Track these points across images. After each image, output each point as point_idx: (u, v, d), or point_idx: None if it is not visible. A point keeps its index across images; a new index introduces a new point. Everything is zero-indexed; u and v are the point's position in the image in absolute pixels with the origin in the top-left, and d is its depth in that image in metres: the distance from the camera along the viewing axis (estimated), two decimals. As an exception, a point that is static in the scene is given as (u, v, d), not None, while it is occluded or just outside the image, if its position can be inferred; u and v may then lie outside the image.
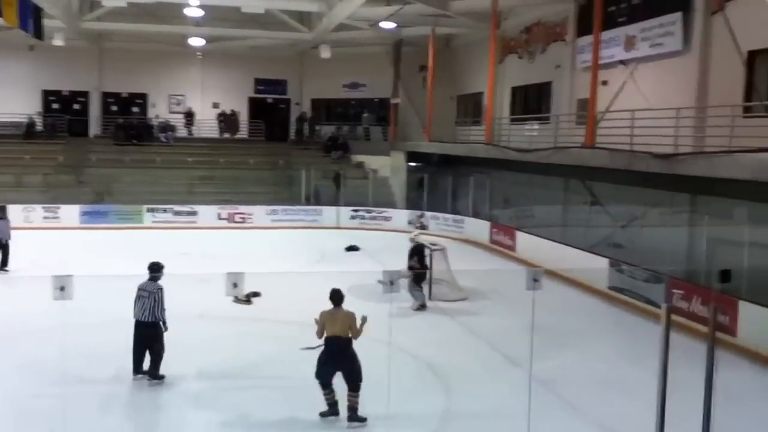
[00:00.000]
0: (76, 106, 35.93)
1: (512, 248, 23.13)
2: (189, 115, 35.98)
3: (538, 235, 22.13)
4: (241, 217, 29.03)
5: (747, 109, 15.02)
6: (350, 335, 9.32)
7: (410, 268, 16.24)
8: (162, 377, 10.78)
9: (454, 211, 28.43)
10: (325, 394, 9.42)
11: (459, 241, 25.95)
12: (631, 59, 19.59)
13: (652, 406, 7.56)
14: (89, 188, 29.61)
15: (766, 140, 12.27)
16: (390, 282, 9.32)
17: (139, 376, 10.76)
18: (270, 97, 37.79)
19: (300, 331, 11.55)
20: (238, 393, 10.65)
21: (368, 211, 29.60)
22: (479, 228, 26.03)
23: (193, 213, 28.59)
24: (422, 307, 15.89)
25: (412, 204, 30.35)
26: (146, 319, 10.53)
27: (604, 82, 20.05)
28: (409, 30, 30.28)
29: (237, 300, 15.39)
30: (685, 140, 15.32)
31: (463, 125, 31.43)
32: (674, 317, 14.34)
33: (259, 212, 29.12)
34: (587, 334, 14.68)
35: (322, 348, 9.37)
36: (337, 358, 9.26)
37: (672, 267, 16.48)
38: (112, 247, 23.01)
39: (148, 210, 28.27)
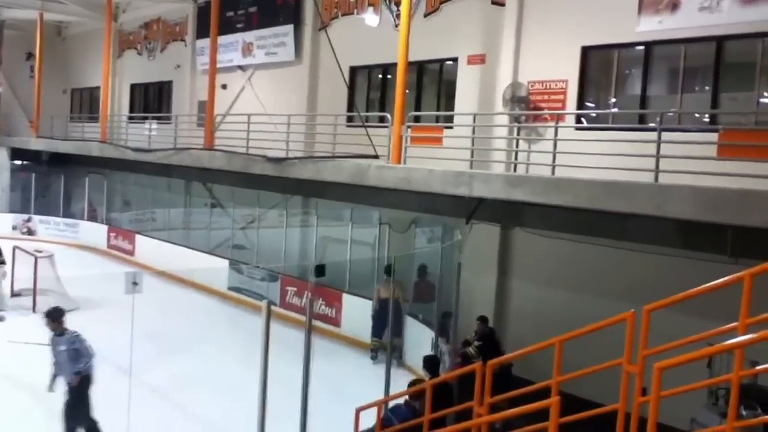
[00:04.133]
0: None
1: (131, 252, 22.42)
2: None
3: (159, 239, 21.81)
4: None
5: (350, 119, 16.68)
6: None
7: None
8: None
9: (68, 215, 26.48)
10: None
11: (73, 247, 24.29)
12: (249, 65, 20.39)
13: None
14: None
15: (362, 148, 13.75)
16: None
17: None
18: None
19: None
20: None
21: (-40, 215, 26.02)
22: (95, 232, 24.69)
23: None
24: None
25: (16, 207, 27.44)
26: None
27: (224, 86, 20.55)
28: (13, 12, 27.44)
29: None
30: (297, 145, 16.42)
31: (78, 121, 29.45)
32: (288, 313, 15.46)
33: None
34: (205, 335, 14.85)
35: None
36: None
37: (287, 265, 17.58)
38: None
39: None
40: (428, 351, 11.50)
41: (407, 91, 13.48)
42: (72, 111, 30.60)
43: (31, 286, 16.12)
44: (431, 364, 9.27)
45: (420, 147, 13.23)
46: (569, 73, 12.36)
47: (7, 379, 11.39)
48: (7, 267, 16.27)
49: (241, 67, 20.63)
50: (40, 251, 17.23)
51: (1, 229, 25.12)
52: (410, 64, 13.28)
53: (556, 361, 5.98)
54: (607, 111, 12.18)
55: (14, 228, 25.41)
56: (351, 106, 16.83)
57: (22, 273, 16.43)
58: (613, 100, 12.18)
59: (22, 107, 29.57)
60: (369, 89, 17.48)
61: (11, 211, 26.99)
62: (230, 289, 18.03)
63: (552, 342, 6.01)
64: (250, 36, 20.14)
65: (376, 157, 13.49)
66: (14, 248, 16.97)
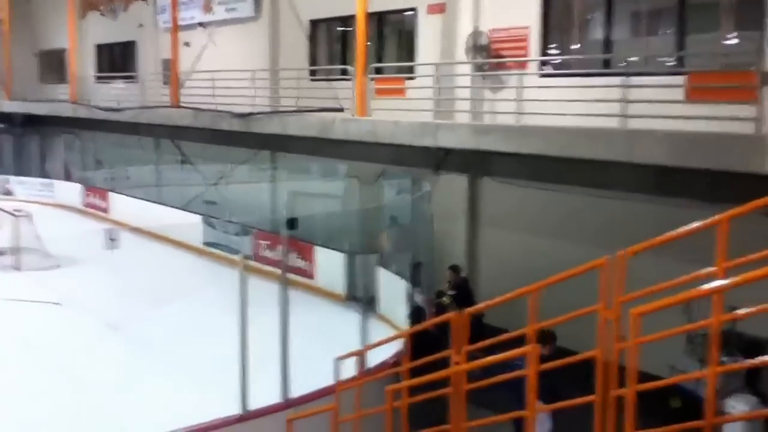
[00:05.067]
0: None
1: (106, 210, 21.15)
2: None
3: (132, 196, 20.53)
4: None
5: (312, 73, 15.45)
6: None
7: None
8: None
9: (43, 175, 24.93)
10: None
11: (50, 206, 22.88)
12: (209, 22, 18.83)
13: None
14: None
15: (326, 101, 12.63)
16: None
17: None
18: None
19: None
20: None
21: (-64, 179, 24.30)
22: (71, 191, 23.28)
23: None
24: None
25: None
26: None
27: (187, 44, 19.01)
28: (-26, -25, 25.21)
29: None
30: (262, 101, 15.22)
31: (49, 83, 27.59)
32: (262, 266, 14.47)
33: None
34: (184, 290, 13.90)
35: None
36: None
37: (259, 219, 16.54)
38: None
39: None
40: (402, 302, 10.69)
41: (368, 43, 12.30)
42: (41, 72, 28.67)
43: (11, 245, 15.26)
44: (418, 315, 8.47)
45: (385, 99, 12.12)
46: (530, 19, 11.24)
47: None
48: None
49: (202, 24, 19.06)
50: (19, 210, 16.48)
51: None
52: (370, 16, 12.08)
53: (532, 309, 5.17)
54: (570, 57, 11.14)
55: (-7, 189, 23.93)
56: (313, 60, 15.57)
57: (2, 232, 15.55)
58: (577, 45, 11.13)
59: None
60: (330, 43, 16.17)
61: (-11, 174, 25.37)
62: (205, 244, 16.95)
63: (529, 289, 5.18)
64: (209, -8, 18.55)
65: (340, 110, 12.39)
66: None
